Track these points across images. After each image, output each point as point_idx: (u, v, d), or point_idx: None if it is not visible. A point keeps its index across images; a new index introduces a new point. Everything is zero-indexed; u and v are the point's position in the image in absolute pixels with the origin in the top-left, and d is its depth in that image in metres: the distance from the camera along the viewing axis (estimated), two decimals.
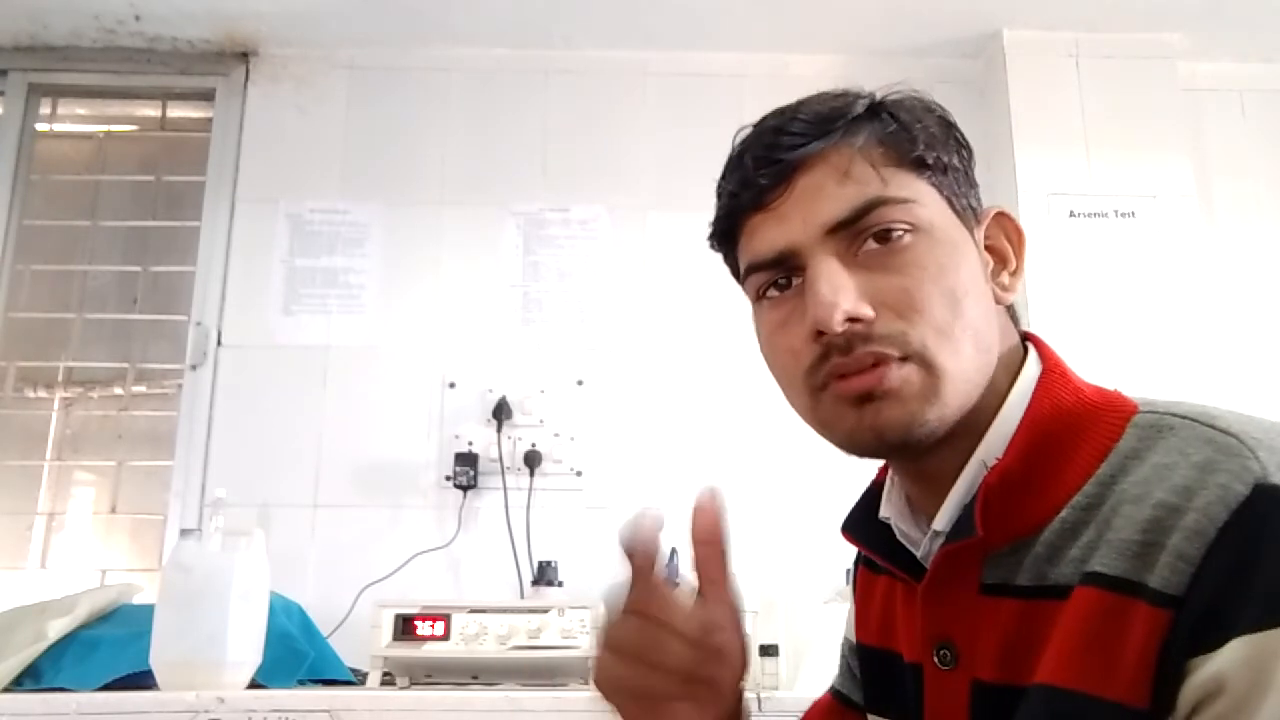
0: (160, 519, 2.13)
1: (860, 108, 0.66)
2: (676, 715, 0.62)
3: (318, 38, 2.32)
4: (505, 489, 2.08)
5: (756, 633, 1.68)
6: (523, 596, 1.97)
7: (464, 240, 2.26)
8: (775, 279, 0.66)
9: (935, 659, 0.65)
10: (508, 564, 2.04)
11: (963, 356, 0.62)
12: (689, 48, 2.35)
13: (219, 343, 2.19)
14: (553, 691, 1.49)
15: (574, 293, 2.24)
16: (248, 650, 1.51)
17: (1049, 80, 2.25)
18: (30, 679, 1.51)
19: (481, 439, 2.12)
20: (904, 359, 0.61)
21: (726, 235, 0.70)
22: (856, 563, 0.85)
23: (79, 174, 2.42)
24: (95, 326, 2.31)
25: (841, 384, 0.62)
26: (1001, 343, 0.66)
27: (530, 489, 2.09)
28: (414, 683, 1.70)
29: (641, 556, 0.65)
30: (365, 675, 1.64)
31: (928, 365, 0.61)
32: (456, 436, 2.13)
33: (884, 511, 0.72)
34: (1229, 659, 0.48)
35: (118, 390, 2.26)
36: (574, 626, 1.62)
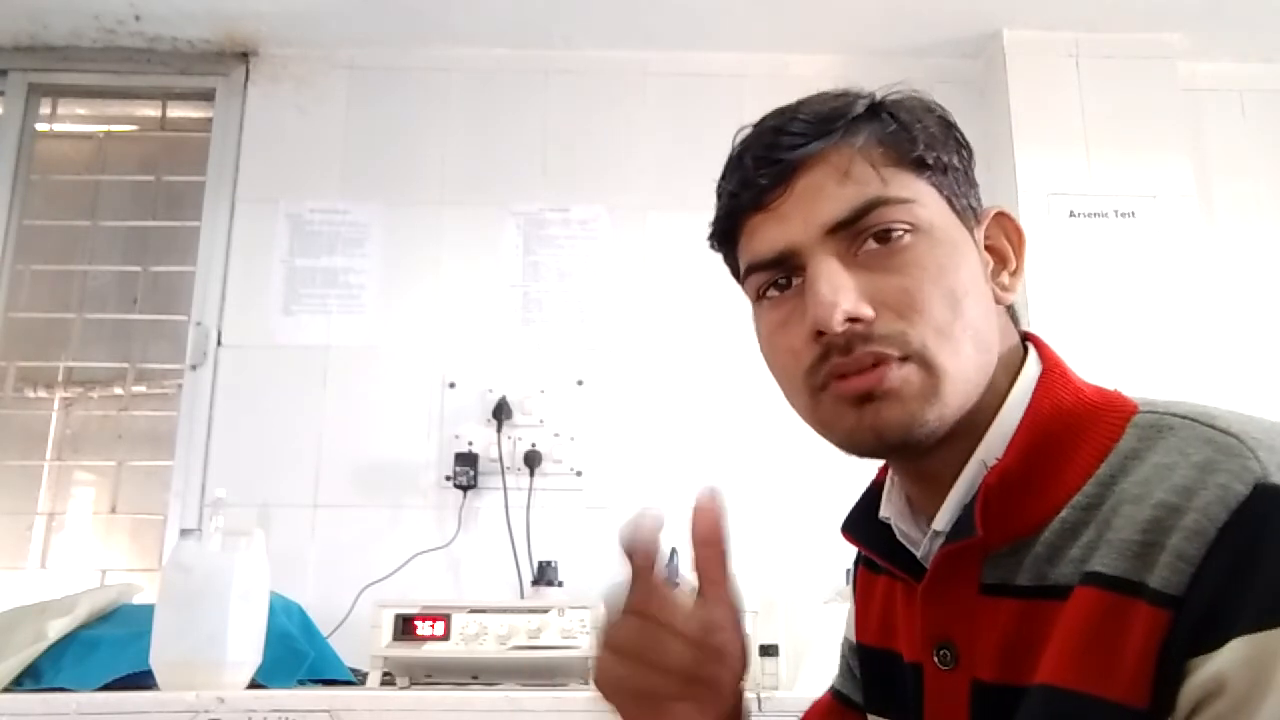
0: (160, 519, 2.13)
1: (860, 108, 0.66)
2: (677, 715, 0.62)
3: (318, 38, 2.32)
4: (505, 489, 2.08)
5: (756, 633, 1.68)
6: (523, 596, 1.97)
7: (464, 240, 2.26)
8: (775, 279, 0.66)
9: (935, 659, 0.65)
10: (508, 564, 2.04)
11: (963, 357, 0.62)
12: (689, 48, 2.35)
13: (219, 343, 2.19)
14: (553, 691, 1.49)
15: (574, 293, 2.24)
16: (248, 650, 1.51)
17: (1049, 80, 2.25)
18: (30, 679, 1.51)
19: (481, 439, 2.12)
20: (904, 359, 0.61)
21: (726, 235, 0.70)
22: (856, 563, 0.85)
23: (79, 174, 2.42)
24: (95, 326, 2.31)
25: (841, 384, 0.62)
26: (1001, 343, 0.66)
27: (530, 489, 2.09)
28: (414, 683, 1.70)
29: (641, 556, 0.65)
30: (365, 675, 1.64)
31: (928, 365, 0.61)
32: (456, 436, 2.13)
33: (884, 511, 0.72)
34: (1229, 659, 0.48)
35: (118, 390, 2.26)
36: (574, 626, 1.62)
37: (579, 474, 2.13)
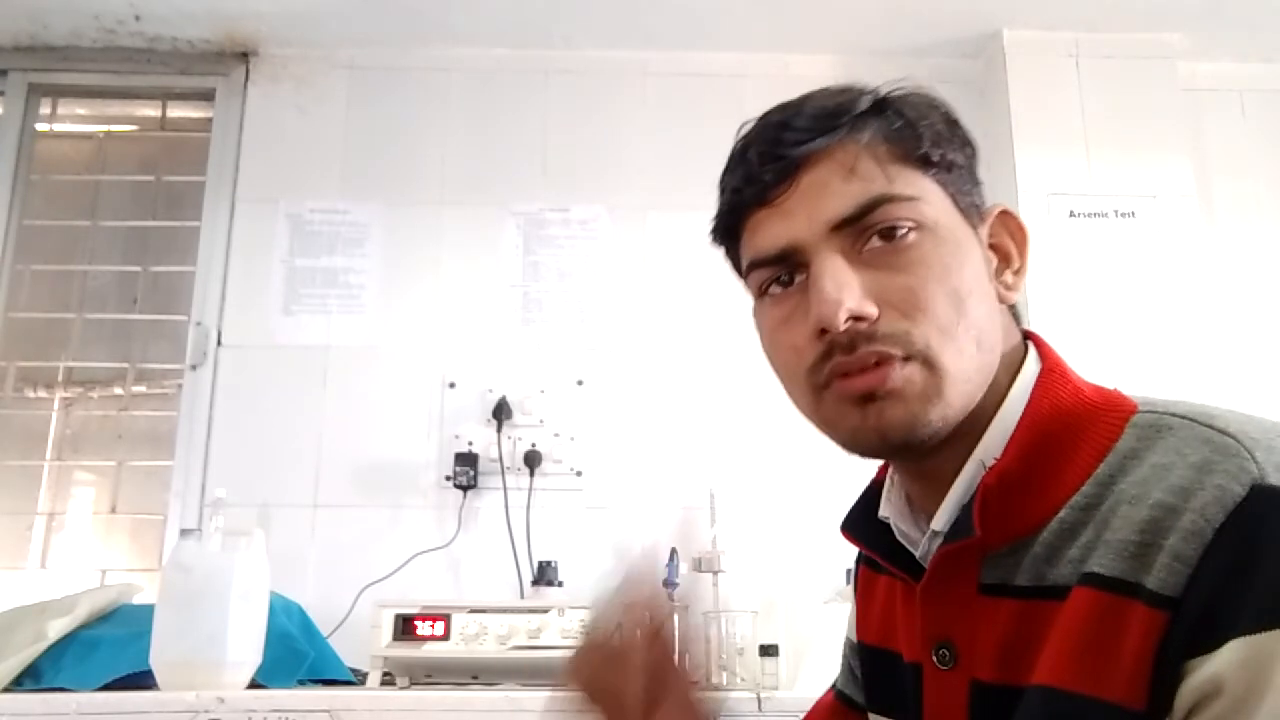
0: (160, 519, 2.13)
1: (866, 104, 0.65)
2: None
3: (318, 38, 2.32)
4: (505, 489, 2.08)
5: (756, 633, 1.68)
6: (523, 596, 1.97)
7: (464, 240, 2.26)
8: (778, 275, 0.66)
9: (934, 659, 0.65)
10: (508, 564, 2.04)
11: (966, 356, 0.62)
12: (689, 48, 2.35)
13: (219, 343, 2.19)
14: (553, 691, 1.49)
15: (574, 293, 2.24)
16: (248, 650, 1.51)
17: (1049, 80, 2.25)
18: (30, 679, 1.51)
19: (481, 439, 2.12)
20: (907, 358, 0.60)
21: (729, 231, 0.70)
22: (858, 562, 0.85)
23: (79, 174, 2.42)
24: (95, 326, 2.31)
25: (844, 382, 0.62)
26: (1004, 342, 0.66)
27: (530, 489, 2.09)
28: (414, 683, 1.70)
29: (639, 596, 0.68)
30: (365, 675, 1.64)
31: (931, 365, 0.60)
32: (456, 436, 2.13)
33: (883, 511, 0.72)
34: (1226, 660, 0.48)
35: (118, 390, 2.27)
36: (574, 626, 1.62)
37: (579, 474, 2.13)
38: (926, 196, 0.64)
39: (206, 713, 1.38)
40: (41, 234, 2.34)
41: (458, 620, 1.63)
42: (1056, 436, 0.62)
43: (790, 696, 1.51)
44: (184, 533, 1.59)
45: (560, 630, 1.62)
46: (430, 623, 1.63)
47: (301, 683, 1.63)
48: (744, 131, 0.68)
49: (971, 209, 0.67)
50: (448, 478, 2.09)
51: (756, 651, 1.64)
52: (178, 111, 2.44)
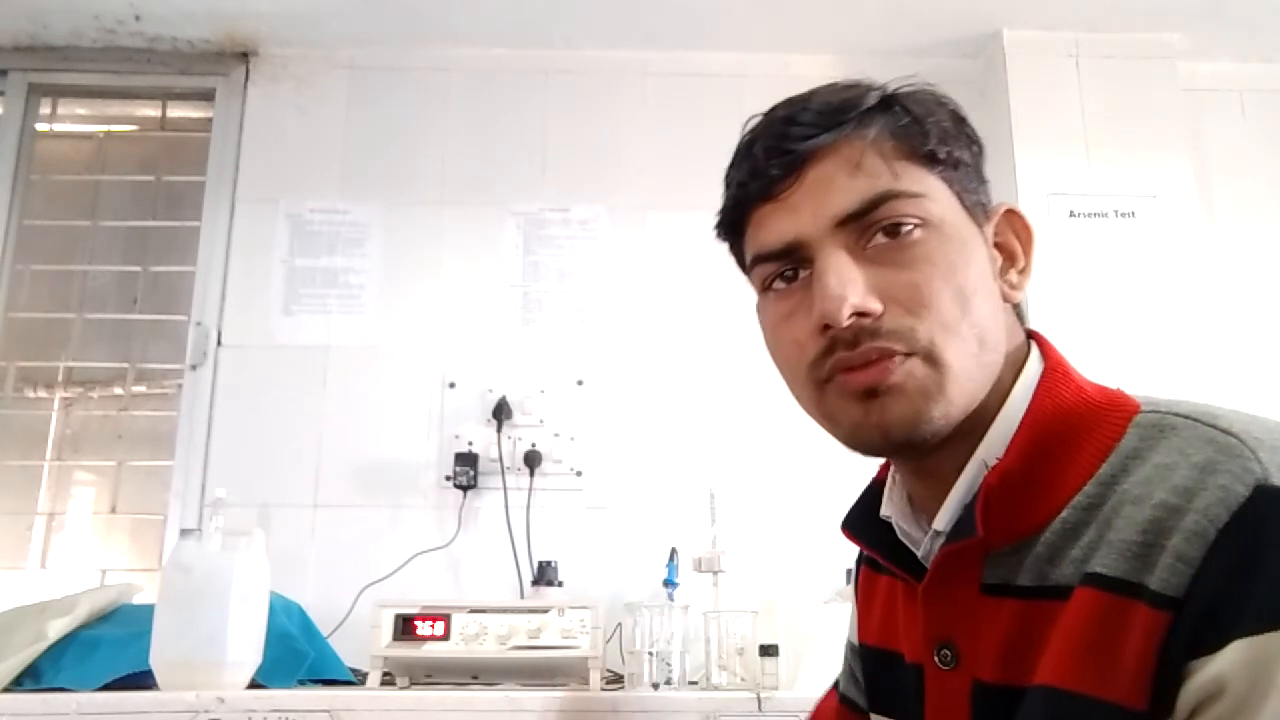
0: (160, 519, 2.13)
1: (872, 99, 0.65)
2: None
3: (318, 38, 2.32)
4: (505, 489, 2.08)
5: (756, 633, 1.68)
6: (523, 596, 1.97)
7: (464, 240, 2.26)
8: (782, 270, 0.66)
9: (936, 659, 0.65)
10: (508, 564, 2.04)
11: (969, 354, 0.61)
12: (689, 48, 2.35)
13: (219, 343, 2.19)
14: (553, 691, 1.49)
15: (574, 293, 2.24)
16: (248, 650, 1.51)
17: (1049, 80, 2.25)
18: (30, 679, 1.51)
19: (481, 439, 2.12)
20: (909, 354, 0.60)
21: (734, 225, 0.70)
22: (859, 563, 0.84)
23: (79, 174, 2.41)
24: (95, 326, 2.30)
25: (846, 377, 0.62)
26: (1008, 341, 0.66)
27: (530, 489, 2.09)
28: (414, 683, 1.70)
29: None
30: (365, 675, 1.64)
31: (934, 361, 0.60)
32: (456, 436, 2.13)
33: (885, 510, 0.72)
34: (1229, 661, 0.48)
35: (118, 390, 2.26)
36: (574, 626, 1.62)
37: (579, 474, 2.13)
38: (932, 194, 0.64)
39: (206, 713, 1.38)
40: (41, 234, 2.33)
41: (458, 620, 1.63)
42: (1059, 436, 0.62)
43: (790, 696, 1.51)
44: (184, 533, 1.59)
45: (560, 630, 1.62)
46: (430, 623, 1.63)
47: (301, 683, 1.63)
48: (750, 126, 0.68)
49: (977, 207, 0.67)
50: (448, 478, 2.09)
51: (756, 651, 1.63)
52: (178, 111, 2.44)
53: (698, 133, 2.25)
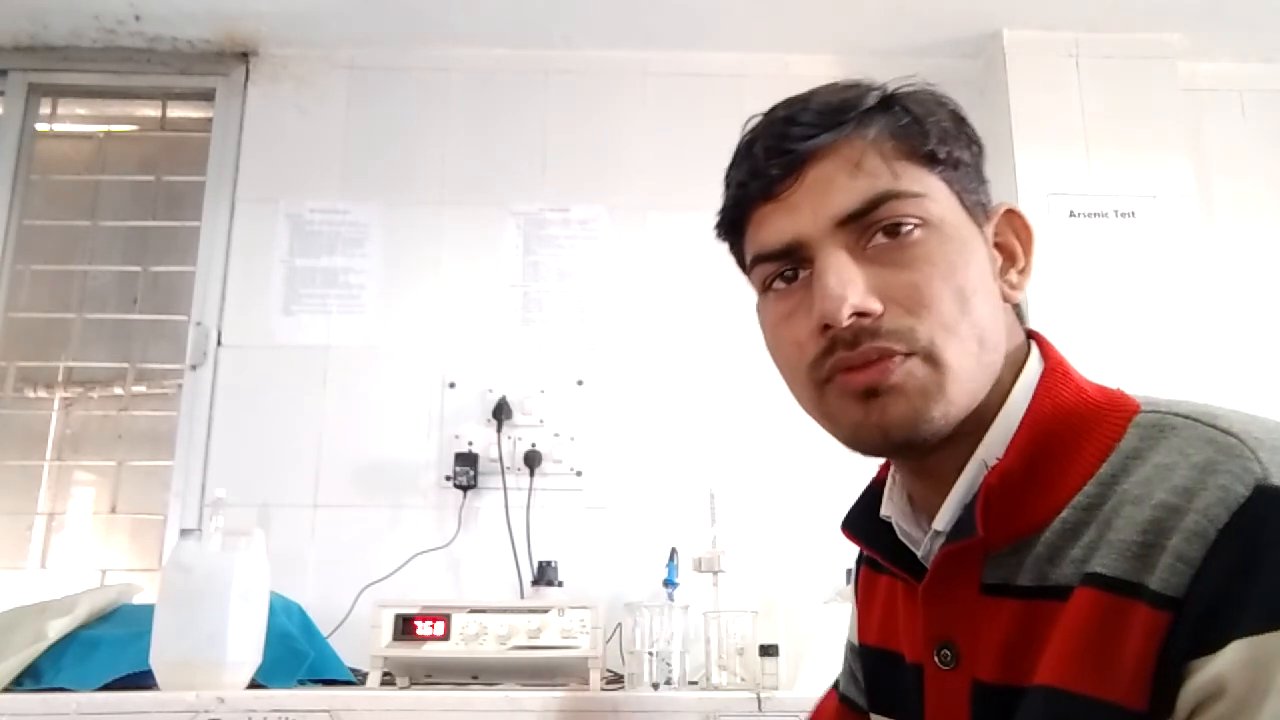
0: (160, 519, 2.13)
1: (872, 99, 0.65)
2: None
3: (318, 38, 2.32)
4: (505, 489, 2.08)
5: (756, 633, 1.68)
6: (523, 596, 1.97)
7: (464, 240, 2.26)
8: (782, 270, 0.66)
9: (936, 659, 0.65)
10: (508, 564, 2.04)
11: (969, 354, 0.61)
12: (689, 48, 2.35)
13: (219, 343, 2.19)
14: (553, 691, 1.49)
15: (574, 293, 2.24)
16: (248, 650, 1.51)
17: (1049, 80, 2.25)
18: (30, 679, 1.51)
19: (481, 439, 2.12)
20: (909, 354, 0.60)
21: (734, 225, 0.70)
22: (859, 563, 0.84)
23: (79, 174, 2.41)
24: (95, 326, 2.30)
25: (846, 377, 0.62)
26: (1008, 341, 0.66)
27: (530, 489, 2.09)
28: (414, 683, 1.70)
29: None
30: (365, 675, 1.64)
31: (934, 361, 0.60)
32: (456, 436, 2.13)
33: (885, 510, 0.72)
34: (1229, 661, 0.48)
35: (118, 390, 2.26)
36: (574, 626, 1.62)
37: (579, 474, 2.13)
38: (932, 194, 0.64)
39: (206, 713, 1.38)
40: (41, 234, 2.33)
41: (458, 620, 1.63)
42: (1059, 436, 0.62)
43: (790, 696, 1.51)
44: (184, 533, 1.59)
45: (560, 630, 1.62)
46: (430, 623, 1.63)
47: (301, 683, 1.63)
48: (750, 126, 0.68)
49: (977, 207, 0.67)
50: (448, 478, 2.09)
51: (756, 651, 1.63)
52: (178, 111, 2.44)
53: (698, 133, 2.25)
